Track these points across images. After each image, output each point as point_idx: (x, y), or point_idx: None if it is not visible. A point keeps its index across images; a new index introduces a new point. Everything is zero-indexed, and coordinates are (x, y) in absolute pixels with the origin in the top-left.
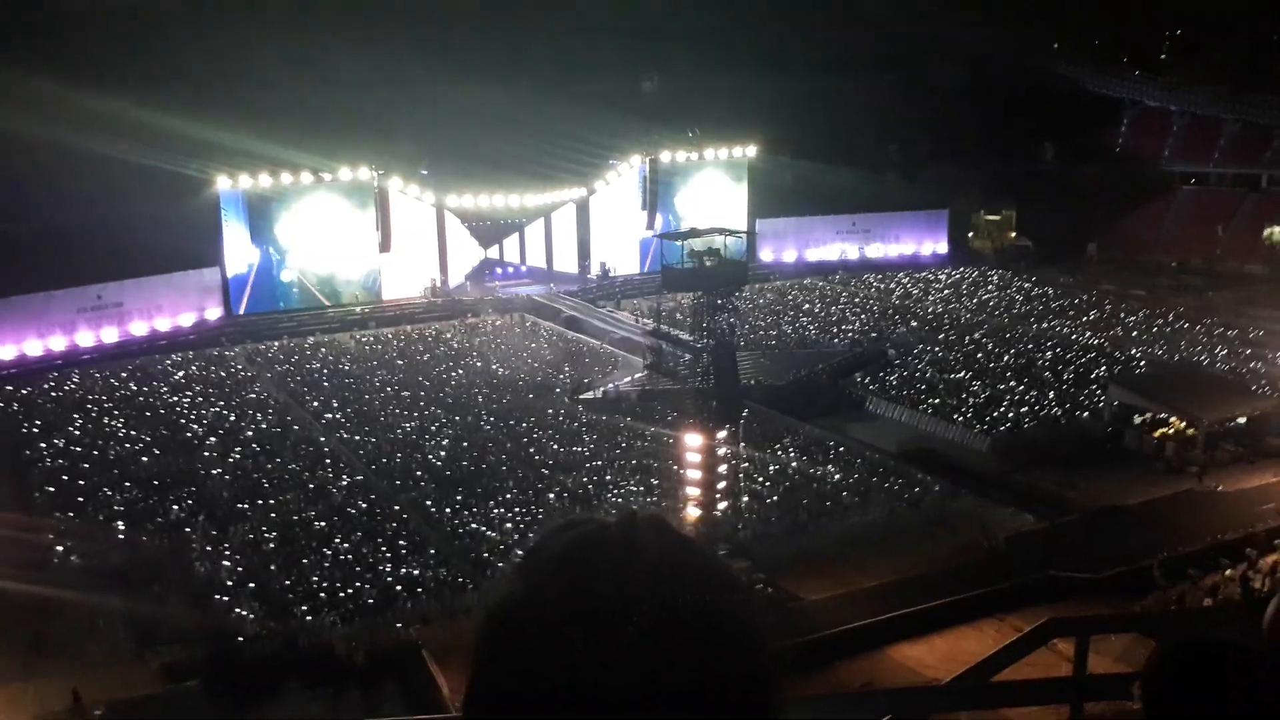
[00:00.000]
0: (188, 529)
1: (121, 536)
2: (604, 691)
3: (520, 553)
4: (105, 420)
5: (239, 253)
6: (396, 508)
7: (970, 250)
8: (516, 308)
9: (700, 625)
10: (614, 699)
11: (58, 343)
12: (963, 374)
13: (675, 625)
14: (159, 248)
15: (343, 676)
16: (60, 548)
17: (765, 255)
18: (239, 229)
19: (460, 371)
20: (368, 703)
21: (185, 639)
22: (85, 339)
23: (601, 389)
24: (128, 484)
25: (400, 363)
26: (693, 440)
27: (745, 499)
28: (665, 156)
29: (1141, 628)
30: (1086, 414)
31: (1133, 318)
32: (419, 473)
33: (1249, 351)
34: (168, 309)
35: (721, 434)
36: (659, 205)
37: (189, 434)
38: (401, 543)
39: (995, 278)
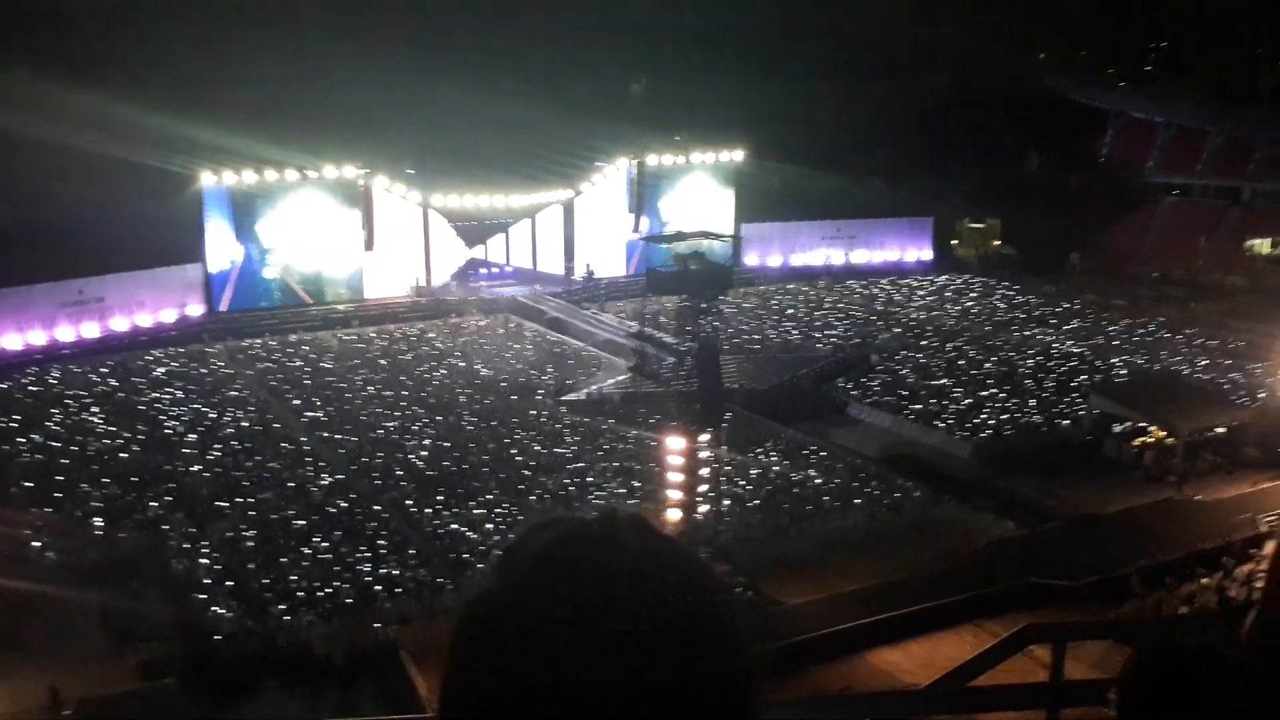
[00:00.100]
0: (166, 526)
1: (99, 533)
2: (583, 691)
3: (500, 551)
4: (84, 416)
5: (222, 249)
6: (377, 507)
7: (954, 258)
8: (501, 308)
9: (681, 625)
10: (593, 699)
11: (37, 337)
12: (945, 380)
13: (656, 625)
14: (142, 243)
15: (321, 676)
16: (37, 543)
17: (750, 259)
18: (223, 225)
19: (443, 372)
20: (345, 702)
21: (163, 637)
22: (66, 334)
23: (585, 391)
24: (106, 480)
25: (383, 362)
26: (675, 443)
27: (727, 502)
28: (652, 160)
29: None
30: (1067, 422)
31: (1114, 327)
32: (399, 472)
33: (1229, 362)
34: (149, 305)
35: (704, 437)
36: (645, 208)
37: (169, 431)
38: (381, 543)
39: (978, 285)
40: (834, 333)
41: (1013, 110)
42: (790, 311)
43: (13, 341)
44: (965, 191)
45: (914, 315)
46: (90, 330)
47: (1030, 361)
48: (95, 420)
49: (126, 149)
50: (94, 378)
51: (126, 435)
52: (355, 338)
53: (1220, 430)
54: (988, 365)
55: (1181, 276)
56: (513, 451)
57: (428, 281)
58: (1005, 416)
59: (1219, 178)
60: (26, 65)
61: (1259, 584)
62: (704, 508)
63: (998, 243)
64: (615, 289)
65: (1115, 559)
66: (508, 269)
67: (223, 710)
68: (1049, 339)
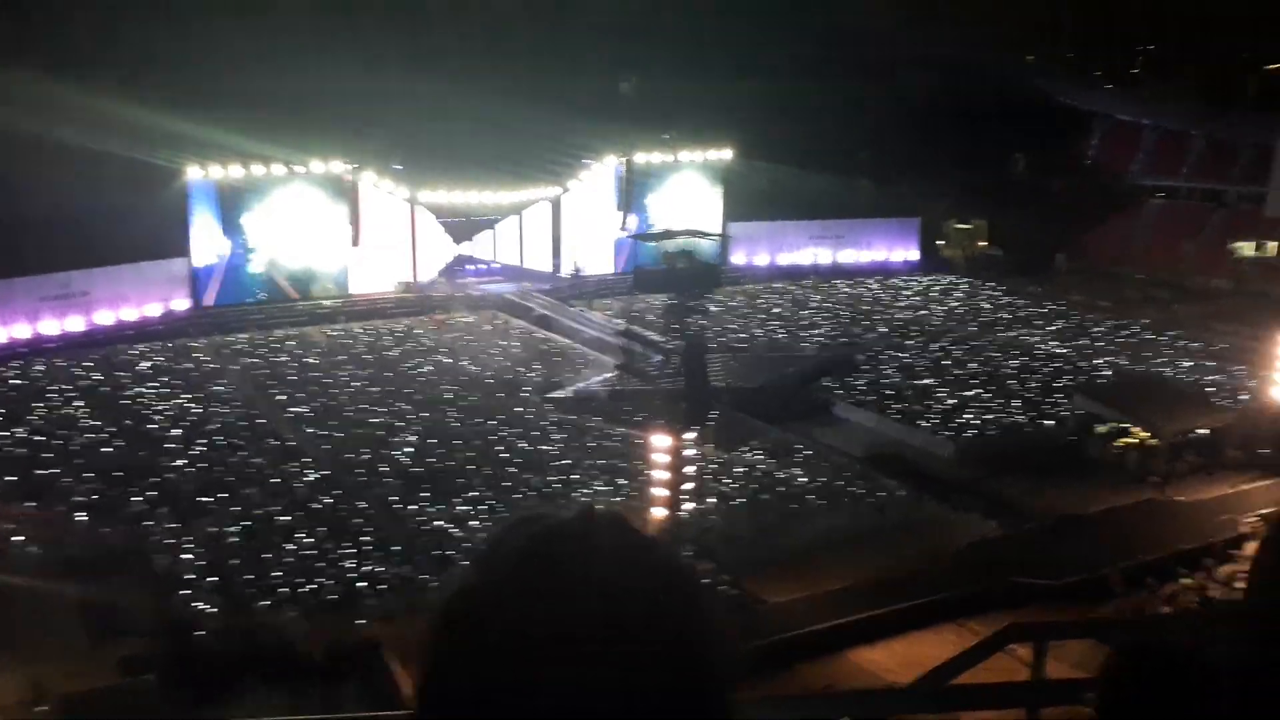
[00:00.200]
0: (149, 521)
1: (82, 527)
2: (560, 688)
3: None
4: (68, 410)
5: (208, 243)
6: (361, 504)
7: (940, 258)
8: (488, 305)
9: (659, 622)
10: (570, 696)
11: (22, 330)
12: (930, 380)
13: (635, 622)
14: (127, 237)
15: (303, 672)
16: (19, 537)
17: (738, 258)
18: (209, 220)
19: (429, 368)
20: (328, 699)
21: (144, 632)
22: (50, 327)
23: (571, 388)
24: (89, 474)
25: (369, 358)
26: (661, 441)
27: (712, 501)
28: (641, 158)
29: (1099, 634)
30: (1051, 422)
31: (1099, 328)
32: (384, 469)
33: (1212, 364)
34: (134, 299)
35: (690, 435)
36: (634, 206)
37: (152, 425)
38: (365, 539)
39: (964, 286)
40: (820, 332)
41: (1000, 112)
42: (777, 310)
43: None
44: (952, 192)
45: (900, 315)
46: (75, 324)
47: (1015, 362)
48: (79, 414)
49: (112, 142)
50: (78, 372)
51: (111, 430)
52: (341, 333)
53: (1203, 432)
54: (972, 365)
55: (1166, 278)
56: (498, 448)
57: (414, 277)
58: (989, 416)
59: (1204, 180)
60: (11, 58)
61: (1240, 585)
62: (689, 506)
63: (984, 244)
64: (603, 286)
65: (1097, 559)
66: (495, 265)
67: (203, 706)
68: (1034, 339)
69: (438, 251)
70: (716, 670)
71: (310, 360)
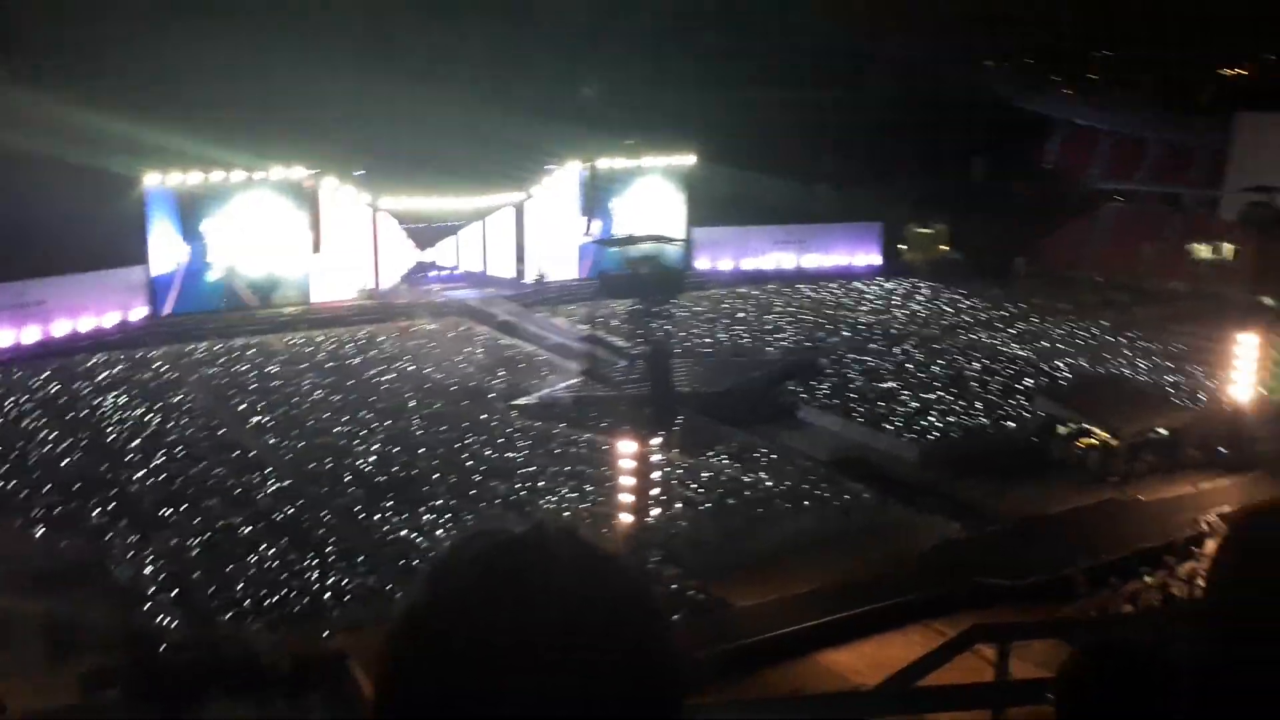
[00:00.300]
0: (110, 534)
1: (41, 541)
2: (514, 703)
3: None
4: (24, 422)
5: (167, 252)
6: (325, 514)
7: (902, 262)
8: (451, 312)
9: (619, 630)
10: (534, 704)
11: None
12: (893, 383)
13: (595, 629)
14: (84, 245)
15: (267, 685)
16: None
17: (702, 264)
18: (168, 227)
19: (392, 376)
20: (293, 711)
21: (106, 647)
22: (5, 338)
23: (536, 395)
24: (48, 487)
25: (330, 366)
26: (627, 446)
27: (679, 505)
28: (604, 163)
29: (1062, 634)
30: (1013, 424)
31: (1059, 331)
32: (348, 478)
33: (1170, 365)
34: (92, 308)
35: (656, 440)
36: (598, 211)
37: (111, 437)
38: (329, 550)
39: (926, 290)
40: (784, 336)
41: (960, 117)
42: (741, 315)
43: None
44: (913, 197)
45: (863, 319)
46: (31, 334)
47: (976, 365)
48: (36, 426)
49: (68, 149)
50: (35, 383)
51: (69, 441)
52: (303, 342)
53: (1162, 432)
54: (935, 368)
55: (1124, 281)
56: (463, 456)
57: (377, 284)
58: (952, 419)
59: (1160, 184)
60: None
61: (1200, 582)
62: (656, 511)
63: (945, 248)
64: (567, 292)
65: (1060, 559)
66: (458, 272)
67: None
68: (995, 342)
69: (400, 258)
70: (676, 677)
71: (271, 369)
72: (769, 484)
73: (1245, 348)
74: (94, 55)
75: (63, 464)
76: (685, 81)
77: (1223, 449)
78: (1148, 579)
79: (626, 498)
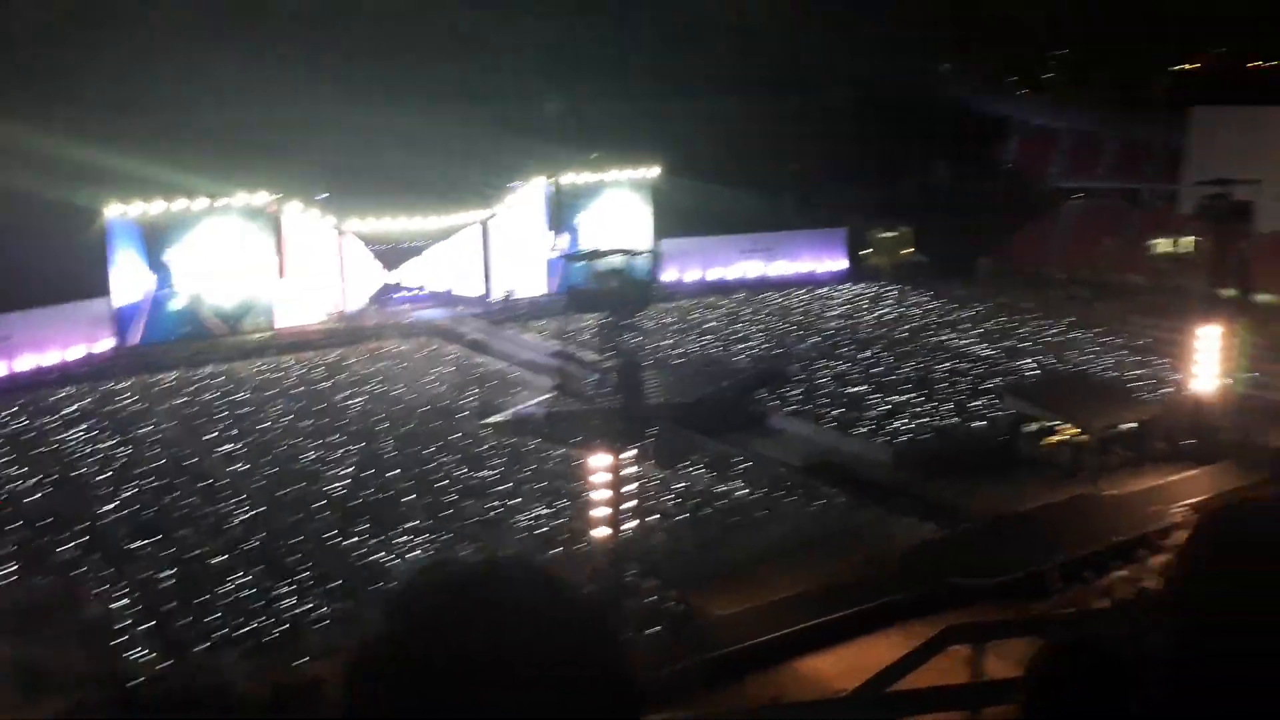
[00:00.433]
0: (81, 568)
1: (11, 578)
2: (493, 716)
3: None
4: None
5: (132, 281)
6: (298, 540)
7: (868, 267)
8: (420, 332)
9: (587, 650)
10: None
11: None
12: (863, 387)
13: (542, 663)
14: (47, 278)
15: (243, 714)
16: None
17: (670, 275)
18: (133, 257)
19: (363, 398)
20: None
21: (78, 683)
22: None
23: (508, 412)
24: (17, 523)
25: (300, 391)
26: (600, 460)
27: (655, 517)
28: (569, 178)
29: (1036, 631)
30: (982, 423)
31: (1024, 329)
32: (321, 503)
33: (1135, 360)
34: (58, 341)
35: (629, 453)
36: (564, 226)
37: (80, 470)
38: (303, 576)
39: (892, 293)
40: (754, 344)
41: (920, 121)
42: (710, 325)
43: None
44: (876, 202)
45: (830, 324)
46: None
47: (944, 365)
48: (4, 461)
49: (29, 181)
50: (2, 418)
51: (38, 476)
52: (271, 367)
53: (1130, 426)
54: (903, 370)
55: (1086, 277)
56: (437, 476)
57: (344, 307)
58: (923, 420)
59: (1118, 181)
60: None
61: (1172, 575)
62: (632, 524)
63: (909, 250)
64: (536, 308)
65: (1034, 556)
66: (425, 292)
67: None
68: (962, 343)
69: (367, 280)
70: (634, 692)
71: (240, 396)
72: (743, 492)
73: (1207, 340)
74: (52, 85)
75: (32, 499)
76: (648, 94)
77: (1189, 441)
78: (1120, 573)
79: (602, 511)
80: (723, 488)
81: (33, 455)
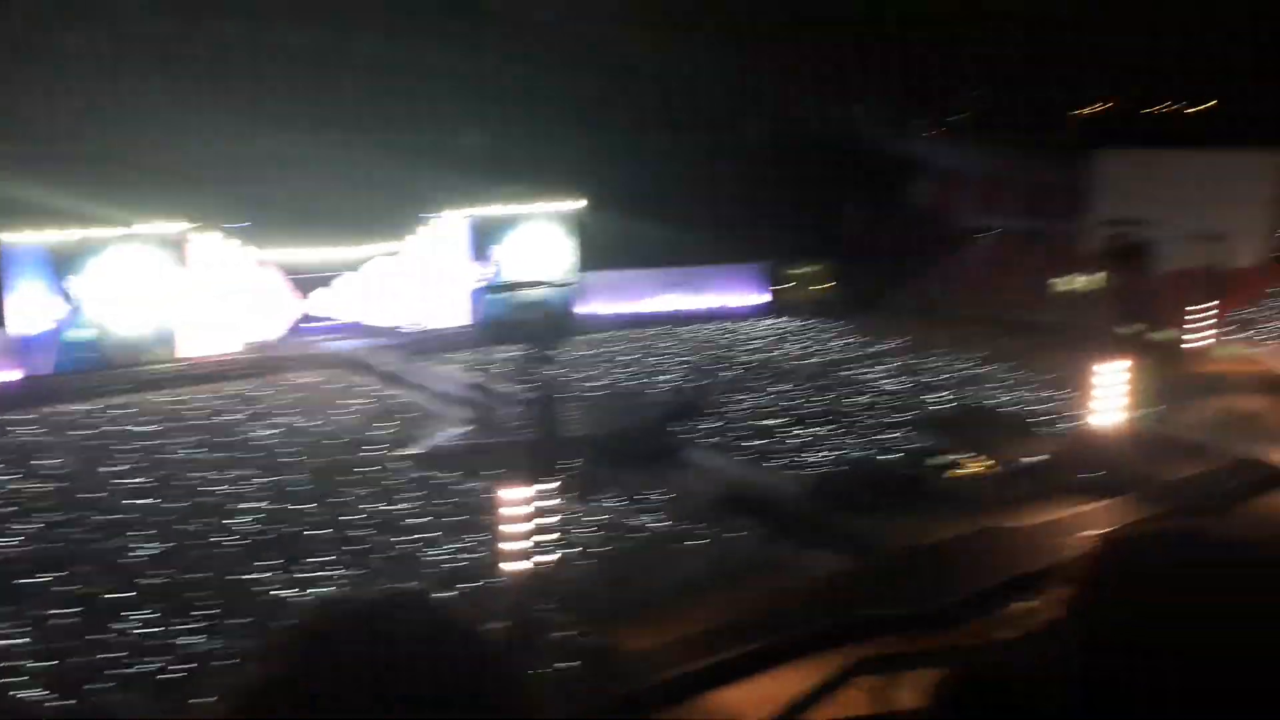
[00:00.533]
0: None
1: None
2: None
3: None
4: None
5: (34, 311)
6: (203, 575)
7: (785, 301)
8: (334, 363)
9: (459, 702)
10: None
11: None
12: (777, 420)
13: (433, 702)
14: None
15: None
16: None
17: (592, 308)
18: (34, 286)
19: (273, 430)
20: None
21: None
22: None
23: (422, 445)
24: None
25: (208, 423)
26: (516, 494)
27: (569, 550)
28: (490, 209)
29: (943, 662)
30: (895, 455)
31: (933, 363)
32: (227, 538)
33: (1041, 394)
34: None
35: (545, 486)
36: (484, 257)
37: None
38: (208, 612)
39: (806, 328)
40: (671, 377)
41: (836, 160)
42: (629, 358)
43: None
44: (794, 238)
45: (746, 358)
46: None
47: (856, 399)
48: None
49: None
50: None
51: None
52: (179, 399)
53: (1036, 459)
54: (816, 404)
55: (995, 314)
56: (349, 510)
57: (258, 337)
58: (835, 453)
59: (1024, 219)
60: None
61: (1075, 604)
62: (547, 557)
63: (825, 286)
64: (452, 340)
65: (942, 588)
66: (338, 322)
67: None
68: (873, 376)
69: (278, 310)
70: None
71: (146, 428)
72: (657, 525)
73: (1110, 376)
74: None
75: None
76: (570, 127)
77: (1093, 474)
78: (1026, 603)
79: (517, 545)
80: (638, 520)
81: None
